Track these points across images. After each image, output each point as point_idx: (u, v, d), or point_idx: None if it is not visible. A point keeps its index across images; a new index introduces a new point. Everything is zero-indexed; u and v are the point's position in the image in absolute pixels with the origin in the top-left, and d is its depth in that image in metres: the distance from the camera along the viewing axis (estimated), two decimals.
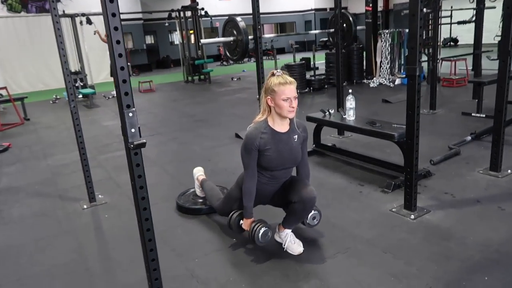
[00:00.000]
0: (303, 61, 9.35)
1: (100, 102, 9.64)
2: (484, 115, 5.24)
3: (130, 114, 1.57)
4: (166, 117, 7.47)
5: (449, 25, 11.92)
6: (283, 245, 2.43)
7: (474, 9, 8.44)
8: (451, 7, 11.43)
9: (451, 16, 11.28)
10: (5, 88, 8.06)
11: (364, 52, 9.71)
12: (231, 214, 2.49)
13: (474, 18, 8.96)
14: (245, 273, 2.26)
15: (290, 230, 2.45)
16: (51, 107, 9.60)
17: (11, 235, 2.99)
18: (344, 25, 5.32)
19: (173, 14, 12.82)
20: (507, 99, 3.26)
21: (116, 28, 1.48)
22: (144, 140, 1.59)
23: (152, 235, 1.76)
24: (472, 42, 8.63)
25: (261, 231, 2.30)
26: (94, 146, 5.37)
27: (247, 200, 2.35)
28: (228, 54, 4.75)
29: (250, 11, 4.27)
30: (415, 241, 2.46)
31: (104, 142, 5.53)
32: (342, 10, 5.03)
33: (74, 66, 10.85)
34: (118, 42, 1.50)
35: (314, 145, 4.33)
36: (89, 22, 9.97)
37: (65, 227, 3.04)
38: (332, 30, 5.28)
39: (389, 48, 8.88)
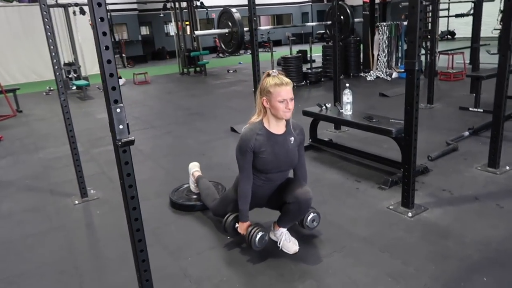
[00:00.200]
0: (300, 54, 9.25)
1: (94, 94, 9.50)
2: (481, 110, 5.19)
3: (118, 110, 1.50)
4: (161, 110, 7.38)
5: (446, 18, 11.85)
6: (278, 243, 2.38)
7: (472, 1, 8.38)
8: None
9: (448, 9, 11.21)
10: None
11: (361, 45, 9.62)
12: (226, 217, 2.43)
13: (472, 11, 8.91)
14: (239, 272, 2.21)
15: (286, 229, 2.40)
16: (44, 99, 9.47)
17: None
18: (342, 17, 5.23)
19: (168, 5, 12.65)
20: (507, 94, 3.20)
21: (102, 19, 1.40)
22: (133, 138, 1.52)
23: (142, 236, 1.70)
24: (469, 35, 8.57)
25: (258, 236, 2.24)
26: (87, 139, 5.29)
27: (243, 203, 2.29)
28: (223, 46, 4.65)
29: (246, 2, 4.18)
30: (412, 240, 2.41)
31: (98, 135, 5.44)
32: (340, 2, 4.94)
33: (67, 57, 10.70)
34: (104, 33, 1.42)
35: (310, 140, 4.27)
36: (82, 12, 9.79)
37: (56, 223, 2.97)
38: (329, 22, 5.19)
39: (386, 41, 8.80)
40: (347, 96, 3.76)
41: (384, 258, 2.25)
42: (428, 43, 6.40)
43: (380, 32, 8.85)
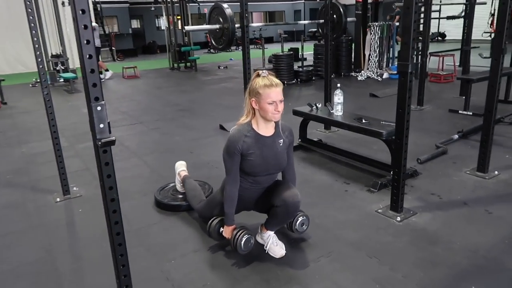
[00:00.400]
0: (291, 52, 9.20)
1: (81, 87, 9.22)
2: (471, 113, 5.20)
3: (99, 108, 1.42)
4: (149, 105, 7.26)
5: (437, 20, 11.91)
6: (265, 246, 2.32)
7: (464, 4, 8.40)
8: (440, 1, 11.41)
9: (439, 11, 11.27)
10: None
11: (353, 45, 9.60)
12: (210, 221, 2.36)
13: (463, 14, 8.95)
14: (224, 277, 2.15)
15: (273, 232, 2.34)
16: (31, 91, 9.25)
17: None
18: (334, 16, 5.18)
19: None
20: (498, 98, 3.19)
21: (83, 11, 1.33)
22: (114, 138, 1.44)
23: (122, 240, 1.63)
24: (459, 37, 8.60)
25: (244, 239, 2.18)
26: (72, 134, 5.17)
27: (229, 206, 2.23)
28: (213, 42, 4.56)
29: None
30: (401, 245, 2.37)
31: (83, 130, 5.31)
32: (333, 1, 4.88)
33: (55, 49, 10.49)
34: (85, 27, 1.34)
35: (300, 140, 4.22)
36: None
37: (35, 222, 2.87)
38: (322, 21, 5.13)
39: (378, 41, 8.79)
40: (338, 97, 3.72)
41: (372, 263, 2.21)
42: (420, 45, 6.38)
43: (372, 32, 8.83)
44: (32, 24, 2.83)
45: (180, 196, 2.99)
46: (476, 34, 9.09)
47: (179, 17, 13.19)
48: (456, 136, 4.24)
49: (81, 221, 2.89)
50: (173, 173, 3.11)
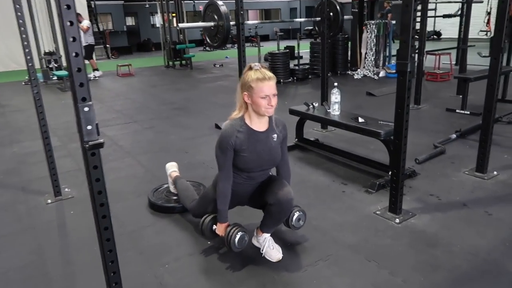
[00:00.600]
0: (287, 50, 9.12)
1: None
2: (468, 112, 5.16)
3: (86, 109, 1.35)
4: (144, 104, 7.17)
5: (433, 18, 11.87)
6: (261, 250, 2.26)
7: (461, 2, 8.37)
8: None
9: (435, 9, 11.23)
10: None
11: (349, 43, 9.55)
12: (203, 218, 2.29)
13: (459, 12, 8.92)
14: (218, 281, 2.09)
15: (269, 235, 2.28)
16: (24, 89, 9.10)
17: None
18: (331, 14, 5.12)
19: None
20: (497, 98, 3.14)
21: (68, 6, 1.25)
22: (102, 140, 1.37)
23: (112, 245, 1.56)
24: (455, 35, 8.56)
25: (238, 236, 2.12)
26: (65, 133, 5.08)
27: (222, 203, 2.16)
28: (208, 40, 4.49)
29: None
30: (400, 248, 2.32)
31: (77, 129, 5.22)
32: None
33: (48, 46, 10.34)
34: (71, 23, 1.27)
35: (296, 139, 4.16)
36: None
37: (25, 224, 2.79)
38: (318, 18, 5.07)
39: (374, 40, 8.74)
40: (335, 96, 3.66)
41: (371, 267, 2.16)
42: (417, 43, 6.34)
43: (368, 30, 8.78)
44: (21, 21, 2.75)
45: (174, 197, 2.92)
46: (472, 32, 9.07)
47: (174, 14, 13.08)
48: (454, 136, 4.20)
49: (72, 224, 2.81)
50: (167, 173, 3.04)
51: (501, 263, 2.16)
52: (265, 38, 20.96)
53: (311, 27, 18.22)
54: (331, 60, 9.02)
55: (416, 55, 6.32)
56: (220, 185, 2.15)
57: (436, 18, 11.80)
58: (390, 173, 2.90)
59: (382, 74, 8.76)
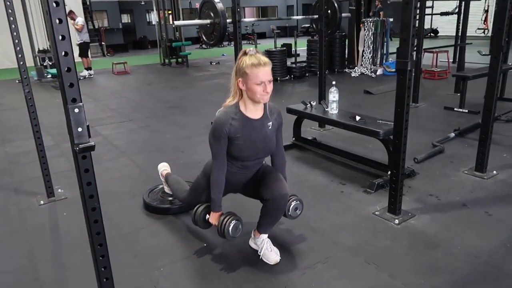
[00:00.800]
0: (284, 48, 9.07)
1: None
2: (467, 111, 5.13)
3: (76, 110, 1.29)
4: (139, 102, 7.10)
5: (429, 16, 11.85)
6: (258, 252, 2.22)
7: (459, 0, 8.33)
8: None
9: (432, 7, 11.20)
10: None
11: (347, 40, 9.50)
12: (196, 208, 2.23)
13: (456, 10, 8.89)
14: (215, 285, 2.04)
15: (267, 236, 2.24)
16: (17, 87, 8.93)
17: None
18: (329, 11, 5.06)
19: None
20: (497, 96, 3.11)
21: (57, 3, 1.19)
22: (93, 143, 1.32)
23: (105, 251, 1.51)
24: (452, 33, 8.54)
25: (232, 225, 2.06)
26: (59, 132, 5.01)
27: (215, 192, 2.10)
28: (204, 38, 4.43)
29: None
30: (400, 250, 2.28)
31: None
32: None
33: (42, 44, 10.24)
34: (60, 21, 1.21)
35: (293, 139, 4.11)
36: None
37: (17, 226, 2.73)
38: (316, 16, 5.02)
39: (372, 37, 8.70)
40: (333, 94, 3.61)
41: (370, 270, 2.11)
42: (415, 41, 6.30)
43: (365, 28, 8.74)
44: (11, 18, 2.68)
45: (169, 198, 2.87)
46: (470, 30, 9.06)
47: (170, 11, 12.98)
48: (452, 135, 4.17)
49: (65, 226, 2.75)
50: None
51: (502, 265, 2.12)
52: (262, 35, 20.87)
53: (308, 25, 18.15)
54: (328, 58, 8.97)
55: (414, 53, 6.28)
56: (214, 173, 2.09)
57: (433, 16, 11.78)
58: (389, 173, 2.87)
59: (379, 72, 8.72)
